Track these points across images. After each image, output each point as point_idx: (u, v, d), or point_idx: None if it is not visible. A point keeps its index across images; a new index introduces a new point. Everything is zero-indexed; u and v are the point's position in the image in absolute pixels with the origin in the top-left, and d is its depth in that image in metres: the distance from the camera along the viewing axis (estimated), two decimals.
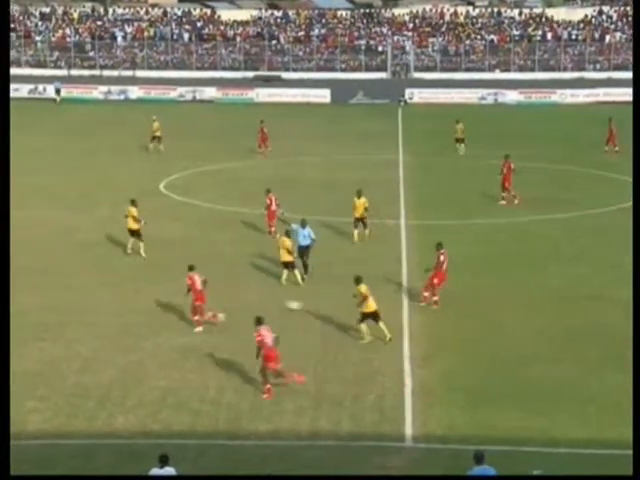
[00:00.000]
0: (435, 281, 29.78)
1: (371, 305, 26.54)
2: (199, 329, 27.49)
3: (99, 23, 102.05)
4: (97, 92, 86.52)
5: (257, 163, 53.97)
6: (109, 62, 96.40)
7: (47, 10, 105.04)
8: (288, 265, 31.76)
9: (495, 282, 32.02)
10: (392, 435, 21.43)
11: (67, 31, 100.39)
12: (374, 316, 26.62)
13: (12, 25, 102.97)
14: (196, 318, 27.72)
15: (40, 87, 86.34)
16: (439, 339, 27.10)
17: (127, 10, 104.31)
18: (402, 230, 38.75)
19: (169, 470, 17.59)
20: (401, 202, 43.47)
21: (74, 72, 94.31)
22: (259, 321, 23.70)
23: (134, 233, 35.04)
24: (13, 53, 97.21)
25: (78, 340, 26.75)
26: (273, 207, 37.92)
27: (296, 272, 31.89)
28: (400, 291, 31.14)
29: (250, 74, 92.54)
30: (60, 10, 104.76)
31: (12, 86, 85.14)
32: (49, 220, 40.47)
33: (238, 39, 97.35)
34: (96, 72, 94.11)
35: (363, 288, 26.67)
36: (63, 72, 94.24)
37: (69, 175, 49.94)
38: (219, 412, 22.48)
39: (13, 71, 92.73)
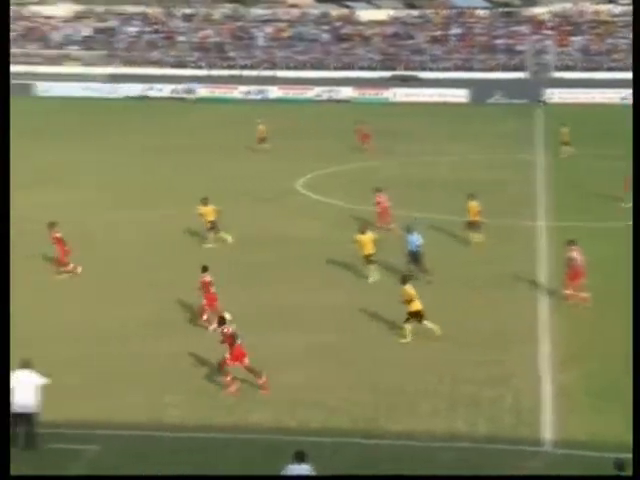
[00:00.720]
0: (571, 278, 29.40)
1: (416, 304, 26.57)
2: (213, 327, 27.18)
3: (239, 24, 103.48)
4: (237, 92, 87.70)
5: (389, 164, 53.88)
6: (248, 62, 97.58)
7: (190, 11, 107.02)
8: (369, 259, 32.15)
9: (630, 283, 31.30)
10: (530, 439, 21.12)
11: (208, 32, 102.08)
12: (418, 315, 26.57)
13: (156, 26, 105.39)
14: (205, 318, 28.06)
15: (180, 87, 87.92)
16: (575, 340, 26.68)
17: (266, 11, 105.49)
18: (539, 231, 38.21)
19: (305, 468, 17.69)
20: (538, 203, 42.88)
21: (214, 72, 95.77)
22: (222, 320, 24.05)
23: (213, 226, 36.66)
24: (156, 54, 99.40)
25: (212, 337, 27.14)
26: (385, 205, 38.10)
27: (371, 267, 32.13)
28: (536, 291, 30.79)
29: (387, 74, 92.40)
30: (202, 11, 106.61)
31: (156, 86, 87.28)
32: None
33: (375, 39, 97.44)
34: (236, 72, 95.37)
35: (408, 289, 26.73)
36: (203, 72, 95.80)
37: (201, 175, 50.50)
38: (354, 410, 22.52)
39: (156, 71, 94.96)
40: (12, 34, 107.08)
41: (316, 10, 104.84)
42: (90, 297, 30.78)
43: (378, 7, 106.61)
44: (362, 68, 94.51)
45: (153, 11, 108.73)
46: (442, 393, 23.35)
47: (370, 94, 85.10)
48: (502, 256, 34.63)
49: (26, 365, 20.66)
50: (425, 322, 26.65)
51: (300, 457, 17.76)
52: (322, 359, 25.55)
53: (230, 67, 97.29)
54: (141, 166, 52.89)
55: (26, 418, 20.31)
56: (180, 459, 20.18)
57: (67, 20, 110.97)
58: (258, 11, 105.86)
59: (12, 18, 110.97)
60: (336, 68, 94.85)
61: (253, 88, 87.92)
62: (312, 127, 65.47)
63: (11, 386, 19.91)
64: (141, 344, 26.63)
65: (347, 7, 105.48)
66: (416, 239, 32.28)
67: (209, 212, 36.63)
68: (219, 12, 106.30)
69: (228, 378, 23.60)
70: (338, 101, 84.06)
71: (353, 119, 60.52)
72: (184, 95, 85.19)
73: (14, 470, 18.38)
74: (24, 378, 20.42)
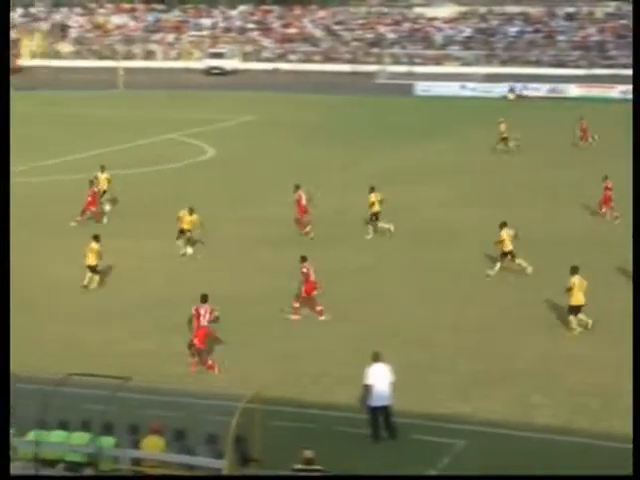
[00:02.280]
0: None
1: (577, 298, 26.60)
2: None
3: (622, 22, 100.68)
4: (615, 92, 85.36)
5: None
6: (629, 61, 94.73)
7: (572, 10, 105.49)
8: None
9: None
10: None
11: (590, 30, 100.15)
12: (576, 309, 26.73)
13: (537, 26, 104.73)
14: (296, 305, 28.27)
15: (559, 87, 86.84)
16: None
17: None
18: None
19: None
20: None
21: (595, 71, 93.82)
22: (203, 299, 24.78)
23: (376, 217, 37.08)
24: (535, 54, 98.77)
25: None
26: None
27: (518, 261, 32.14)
28: None
29: None
30: (584, 10, 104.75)
31: (531, 85, 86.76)
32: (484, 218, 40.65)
33: None
34: (615, 71, 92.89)
35: (574, 279, 26.74)
36: (581, 72, 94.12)
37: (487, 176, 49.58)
38: None
39: (532, 71, 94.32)
40: (395, 35, 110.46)
41: None
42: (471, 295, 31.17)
43: None
44: None
45: (535, 11, 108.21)
46: None
47: None
48: None
49: (378, 359, 21.17)
50: (580, 315, 26.88)
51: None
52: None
53: (609, 66, 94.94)
54: (504, 165, 52.74)
55: (384, 411, 20.89)
56: (542, 462, 20.00)
57: (449, 21, 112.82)
58: None
59: (398, 20, 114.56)
60: None
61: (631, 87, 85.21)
62: None
63: (369, 381, 20.67)
64: (511, 341, 26.65)
65: None
66: None
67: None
68: (601, 10, 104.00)
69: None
70: None
71: None
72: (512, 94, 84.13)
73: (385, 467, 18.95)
74: (379, 372, 20.97)
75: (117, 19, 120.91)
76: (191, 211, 35.36)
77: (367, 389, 20.83)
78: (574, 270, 27.25)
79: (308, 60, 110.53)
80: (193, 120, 69.56)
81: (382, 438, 20.77)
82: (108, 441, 17.82)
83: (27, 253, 34.26)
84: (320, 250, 33.96)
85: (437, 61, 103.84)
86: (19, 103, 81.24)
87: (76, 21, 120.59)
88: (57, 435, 18.16)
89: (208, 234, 36.23)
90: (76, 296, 30.51)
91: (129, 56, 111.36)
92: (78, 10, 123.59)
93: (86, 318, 28.44)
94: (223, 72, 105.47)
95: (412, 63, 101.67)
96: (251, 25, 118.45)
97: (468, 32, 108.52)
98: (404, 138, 60.38)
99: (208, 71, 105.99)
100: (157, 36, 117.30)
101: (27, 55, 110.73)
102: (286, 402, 22.26)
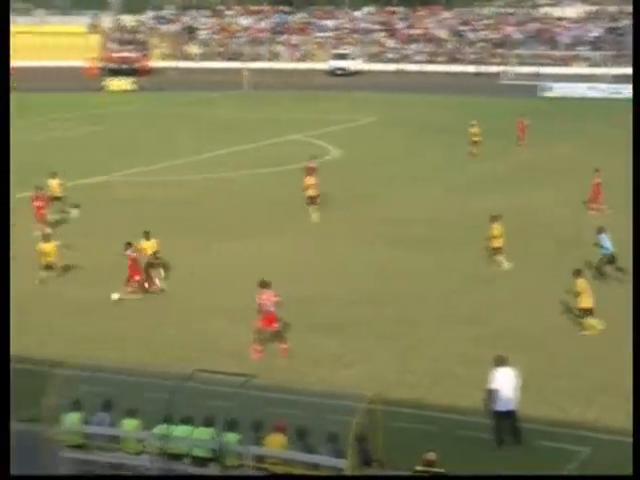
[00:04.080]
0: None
1: (586, 301, 26.80)
2: None
3: None
4: None
5: None
6: None
7: None
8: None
9: None
10: None
11: None
12: (587, 312, 26.92)
13: None
14: None
15: None
16: None
17: None
18: None
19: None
20: None
21: None
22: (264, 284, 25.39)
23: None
24: None
25: None
26: None
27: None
28: None
29: None
30: None
31: None
32: None
33: None
34: None
35: (579, 283, 26.92)
36: None
37: None
38: None
39: None
40: (521, 36, 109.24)
41: None
42: None
43: None
44: None
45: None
46: None
47: None
48: None
49: (503, 362, 20.95)
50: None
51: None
52: None
53: None
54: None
55: (509, 416, 20.67)
56: None
57: (577, 21, 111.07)
58: None
59: (524, 21, 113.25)
60: None
61: None
62: None
63: (493, 386, 20.50)
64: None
65: None
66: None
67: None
68: None
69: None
70: None
71: None
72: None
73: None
74: (504, 376, 20.76)
75: (244, 21, 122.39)
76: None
77: (492, 393, 20.66)
78: (578, 272, 27.44)
79: (432, 61, 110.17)
80: (317, 121, 70.02)
81: (506, 443, 20.59)
82: (232, 437, 18.09)
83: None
84: (451, 253, 33.91)
85: (564, 62, 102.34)
86: (147, 104, 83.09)
87: (204, 23, 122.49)
88: (182, 430, 18.51)
89: (335, 233, 36.57)
90: (222, 293, 30.98)
91: (255, 57, 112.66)
92: (206, 12, 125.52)
93: (222, 315, 28.85)
94: (347, 73, 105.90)
95: (538, 64, 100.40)
96: (375, 26, 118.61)
97: (597, 32, 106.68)
98: (534, 138, 59.53)
99: (332, 72, 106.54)
100: (283, 37, 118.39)
101: (156, 57, 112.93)
102: (407, 403, 22.26)
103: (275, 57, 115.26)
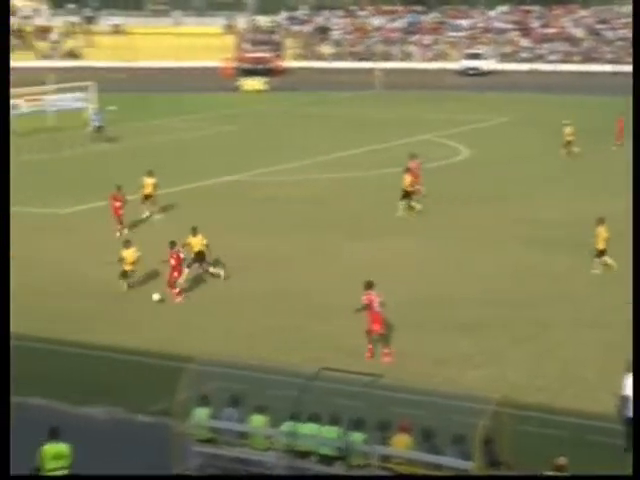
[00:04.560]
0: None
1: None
2: None
3: None
4: None
5: None
6: None
7: None
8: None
9: None
10: None
11: None
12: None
13: None
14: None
15: None
16: None
17: None
18: None
19: None
20: None
21: None
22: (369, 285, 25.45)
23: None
24: None
25: None
26: None
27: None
28: None
29: None
30: None
31: None
32: None
33: None
34: None
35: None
36: None
37: None
38: None
39: None
40: None
41: None
42: None
43: None
44: None
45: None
46: None
47: None
48: None
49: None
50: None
51: None
52: None
53: None
54: None
55: None
56: None
57: None
58: None
59: None
60: None
61: None
62: None
63: (626, 392, 20.01)
64: None
65: None
66: None
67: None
68: None
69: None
70: None
71: None
72: None
73: None
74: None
75: (376, 21, 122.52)
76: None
77: (625, 400, 20.21)
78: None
79: (566, 60, 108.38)
80: (448, 121, 69.64)
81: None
82: (358, 437, 18.13)
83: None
84: (587, 254, 33.41)
85: None
86: (279, 103, 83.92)
87: (337, 23, 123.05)
88: (309, 427, 18.63)
89: (467, 233, 36.34)
90: (350, 292, 31.13)
91: (387, 57, 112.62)
92: (339, 13, 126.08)
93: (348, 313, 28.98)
94: (480, 73, 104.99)
95: None
96: (509, 25, 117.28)
97: None
98: None
99: (464, 72, 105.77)
100: (415, 37, 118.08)
101: (289, 57, 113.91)
102: (535, 407, 21.99)
103: (407, 57, 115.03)
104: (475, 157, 55.74)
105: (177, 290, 30.46)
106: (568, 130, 55.28)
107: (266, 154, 56.54)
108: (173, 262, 30.58)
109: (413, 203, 41.42)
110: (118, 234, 37.15)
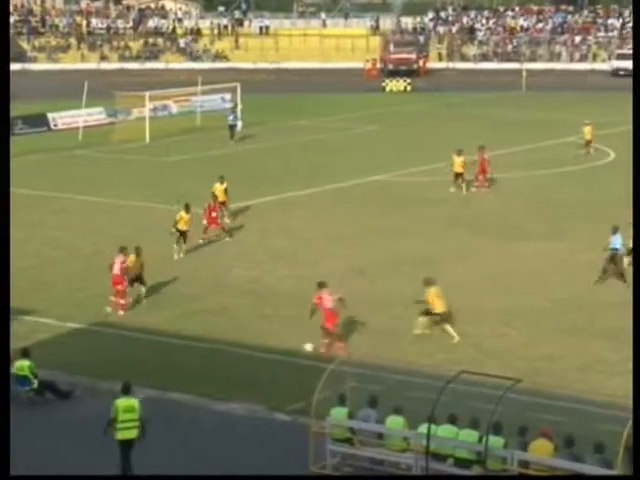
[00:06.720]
0: None
1: (439, 306, 26.88)
2: None
3: None
4: None
5: None
6: None
7: None
8: None
9: None
10: None
11: None
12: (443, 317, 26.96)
13: None
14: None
15: None
16: None
17: None
18: None
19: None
20: None
21: None
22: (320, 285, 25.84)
23: None
24: None
25: None
26: None
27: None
28: None
29: None
30: None
31: None
32: None
33: None
34: None
35: (432, 291, 27.00)
36: None
37: None
38: None
39: None
40: None
41: None
42: None
43: None
44: None
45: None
46: None
47: None
48: None
49: None
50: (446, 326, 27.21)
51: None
52: None
53: None
54: None
55: None
56: None
57: None
58: None
59: None
60: None
61: None
62: None
63: None
64: None
65: None
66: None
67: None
68: None
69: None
70: None
71: None
72: None
73: None
74: None
75: (524, 21, 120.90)
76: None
77: None
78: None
79: None
80: (596, 123, 68.17)
81: None
82: (497, 441, 17.90)
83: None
84: None
85: None
86: (423, 104, 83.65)
87: (483, 24, 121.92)
88: (446, 430, 18.49)
89: None
90: (498, 295, 30.85)
91: (533, 58, 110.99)
92: (486, 13, 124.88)
93: (491, 317, 28.69)
94: (630, 74, 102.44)
95: None
96: None
97: None
98: None
99: (615, 73, 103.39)
100: (563, 37, 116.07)
101: (434, 58, 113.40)
102: None
103: (554, 57, 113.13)
104: (619, 160, 54.44)
105: None
106: (587, 129, 55.19)
107: (410, 154, 56.38)
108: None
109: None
110: (201, 241, 36.37)
